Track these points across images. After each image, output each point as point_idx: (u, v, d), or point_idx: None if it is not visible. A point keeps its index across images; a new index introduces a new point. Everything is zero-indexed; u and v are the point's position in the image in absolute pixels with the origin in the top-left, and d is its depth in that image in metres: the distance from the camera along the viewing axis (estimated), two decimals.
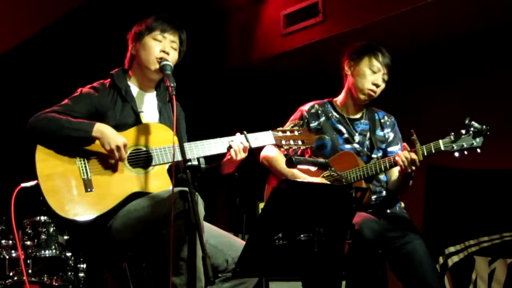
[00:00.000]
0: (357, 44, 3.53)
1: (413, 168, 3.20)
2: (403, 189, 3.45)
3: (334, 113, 3.55)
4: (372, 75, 3.42)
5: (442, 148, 3.20)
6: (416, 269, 3.24)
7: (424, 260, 3.27)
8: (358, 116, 3.57)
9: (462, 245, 5.00)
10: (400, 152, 3.25)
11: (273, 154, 3.50)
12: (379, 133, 3.54)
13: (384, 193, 3.46)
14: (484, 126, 3.20)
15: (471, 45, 5.29)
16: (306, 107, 3.56)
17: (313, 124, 3.50)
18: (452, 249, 5.04)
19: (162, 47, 2.96)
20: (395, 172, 3.46)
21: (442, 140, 3.21)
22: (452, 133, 3.21)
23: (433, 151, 3.21)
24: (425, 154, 3.20)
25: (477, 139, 3.19)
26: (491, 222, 4.88)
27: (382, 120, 3.58)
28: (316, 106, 3.55)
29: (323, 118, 3.52)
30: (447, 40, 5.36)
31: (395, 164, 3.25)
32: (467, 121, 3.20)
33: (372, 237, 3.08)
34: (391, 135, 3.54)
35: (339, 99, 3.59)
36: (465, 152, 3.20)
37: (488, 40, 5.17)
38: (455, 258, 5.01)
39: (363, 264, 3.11)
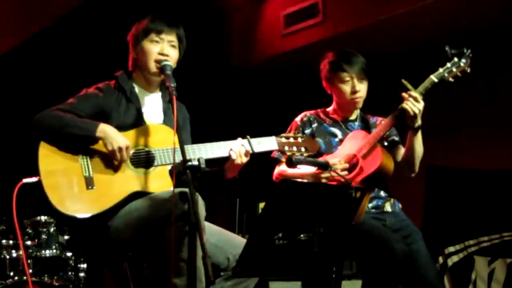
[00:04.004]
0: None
1: (419, 107, 3.23)
2: (418, 150, 3.38)
3: (327, 119, 3.61)
4: (347, 86, 3.47)
5: (436, 80, 3.29)
6: (418, 270, 3.24)
7: (426, 260, 3.28)
8: (352, 118, 3.61)
9: (461, 245, 5.01)
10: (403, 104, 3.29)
11: (282, 168, 3.51)
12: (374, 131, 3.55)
13: (382, 193, 3.47)
14: (464, 48, 3.34)
15: (471, 45, 5.29)
16: (298, 117, 3.63)
17: (307, 131, 3.54)
18: (451, 249, 5.04)
19: (161, 49, 2.95)
20: (400, 152, 3.48)
21: (432, 74, 3.31)
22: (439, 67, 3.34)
23: (429, 86, 3.29)
24: (422, 92, 3.28)
25: (463, 60, 3.33)
26: (491, 222, 4.88)
27: (377, 122, 3.60)
28: (308, 114, 3.62)
29: (315, 124, 3.57)
30: (447, 39, 5.36)
31: (402, 110, 3.27)
32: (447, 49, 3.33)
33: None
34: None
35: (331, 108, 3.66)
36: (459, 74, 3.32)
37: (489, 39, 5.18)
38: (455, 258, 5.01)
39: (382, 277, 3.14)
